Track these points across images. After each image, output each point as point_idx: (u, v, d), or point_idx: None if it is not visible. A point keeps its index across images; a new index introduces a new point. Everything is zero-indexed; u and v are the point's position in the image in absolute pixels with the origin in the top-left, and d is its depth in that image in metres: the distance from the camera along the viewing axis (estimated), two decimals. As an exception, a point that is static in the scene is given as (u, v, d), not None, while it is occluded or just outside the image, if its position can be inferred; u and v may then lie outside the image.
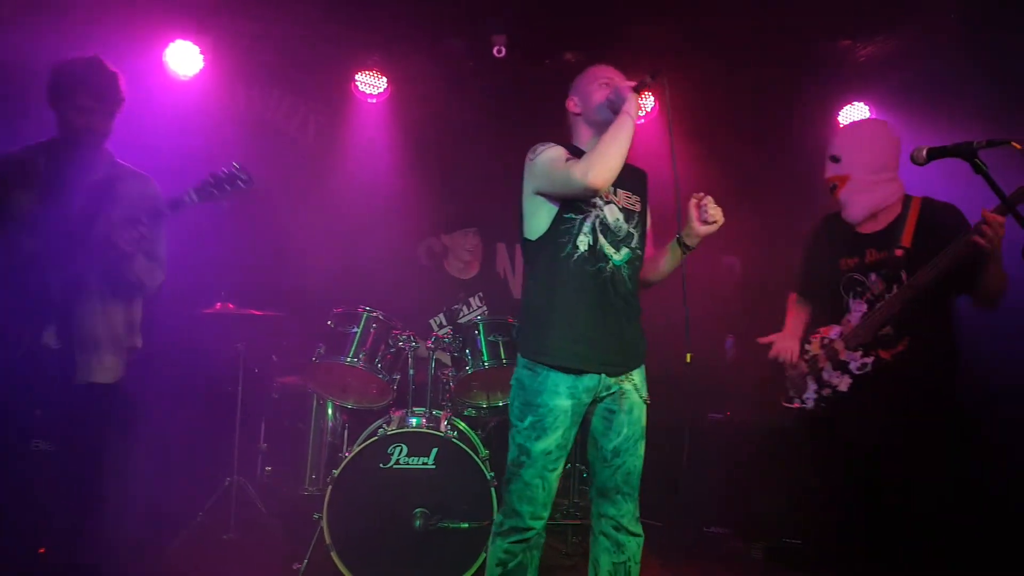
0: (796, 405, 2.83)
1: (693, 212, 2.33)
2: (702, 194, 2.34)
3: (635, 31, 4.07)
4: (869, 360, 2.64)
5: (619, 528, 2.34)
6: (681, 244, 2.38)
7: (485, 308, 4.09)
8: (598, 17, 3.98)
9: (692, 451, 4.18)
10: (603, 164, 2.19)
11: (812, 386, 2.78)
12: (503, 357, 3.29)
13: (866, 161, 2.71)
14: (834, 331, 2.77)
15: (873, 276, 2.67)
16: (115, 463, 2.55)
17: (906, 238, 2.62)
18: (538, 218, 2.34)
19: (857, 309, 2.71)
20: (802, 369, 2.81)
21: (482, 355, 3.31)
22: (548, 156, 2.30)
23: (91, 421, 2.42)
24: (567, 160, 2.27)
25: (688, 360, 2.25)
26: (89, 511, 2.46)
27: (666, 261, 2.45)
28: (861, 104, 4.54)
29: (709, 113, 4.67)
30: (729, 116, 4.64)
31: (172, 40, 4.22)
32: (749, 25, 4.02)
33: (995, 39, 3.68)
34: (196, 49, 4.25)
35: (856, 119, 4.53)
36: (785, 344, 2.85)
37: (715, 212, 2.31)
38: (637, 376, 2.38)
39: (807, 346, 2.82)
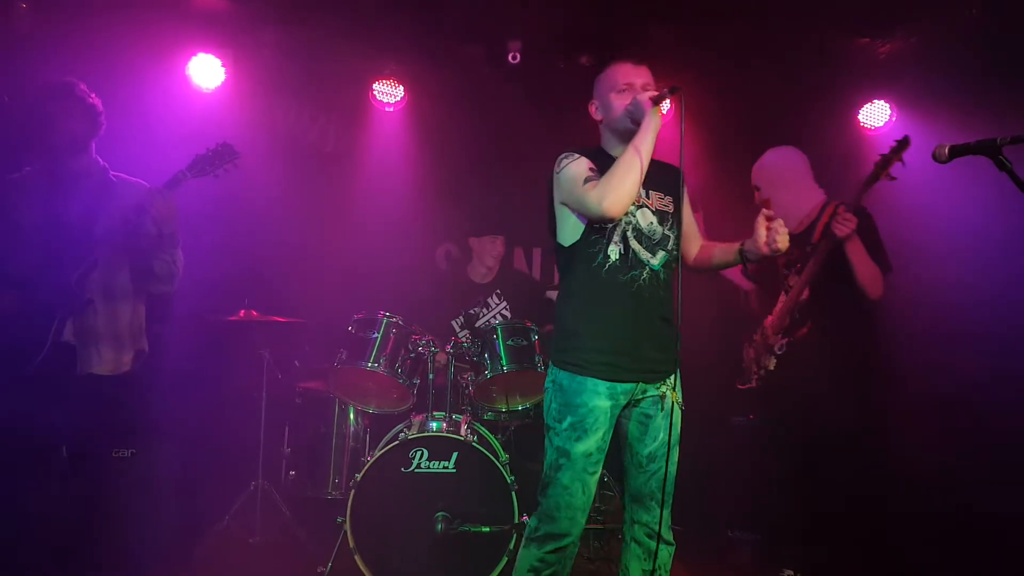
0: (746, 387, 3.37)
1: (761, 229, 2.27)
2: (772, 212, 2.29)
3: (650, 34, 4.07)
4: (785, 341, 3.13)
5: (652, 535, 2.29)
6: (743, 255, 2.37)
7: (506, 304, 4.10)
8: (612, 21, 3.99)
9: (715, 455, 4.15)
10: (618, 192, 2.17)
11: (755, 369, 3.27)
12: (522, 361, 3.30)
13: (776, 181, 3.22)
14: (769, 320, 3.25)
15: (792, 270, 3.13)
16: (101, 452, 2.72)
17: (816, 236, 3.06)
18: (568, 227, 2.34)
19: (780, 299, 3.19)
20: (750, 355, 3.33)
21: (501, 359, 3.32)
22: (570, 174, 2.28)
23: (87, 411, 2.57)
24: (586, 180, 2.24)
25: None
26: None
27: (719, 262, 2.47)
28: (881, 102, 4.49)
29: (726, 115, 4.64)
30: (747, 117, 4.61)
31: (194, 54, 4.30)
32: (765, 26, 4.00)
33: (1017, 34, 3.62)
34: (218, 62, 4.33)
35: (875, 117, 4.52)
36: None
37: (783, 240, 2.25)
38: (674, 380, 2.35)
39: (755, 336, 3.31)
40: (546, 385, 2.36)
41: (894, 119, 4.49)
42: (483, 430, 3.42)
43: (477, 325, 3.96)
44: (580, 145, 2.42)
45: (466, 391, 3.52)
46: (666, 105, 4.72)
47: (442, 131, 4.82)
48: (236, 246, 4.32)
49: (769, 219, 2.28)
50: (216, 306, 3.99)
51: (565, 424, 2.23)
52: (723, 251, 2.47)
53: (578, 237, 2.32)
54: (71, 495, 2.61)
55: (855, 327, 3.05)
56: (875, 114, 4.52)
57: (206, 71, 4.32)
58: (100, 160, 2.75)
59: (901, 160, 2.85)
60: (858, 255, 2.94)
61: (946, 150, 2.10)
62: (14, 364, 2.49)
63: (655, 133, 2.23)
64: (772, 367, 3.17)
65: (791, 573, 3.24)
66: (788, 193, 3.19)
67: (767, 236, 2.26)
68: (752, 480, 3.89)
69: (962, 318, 3.67)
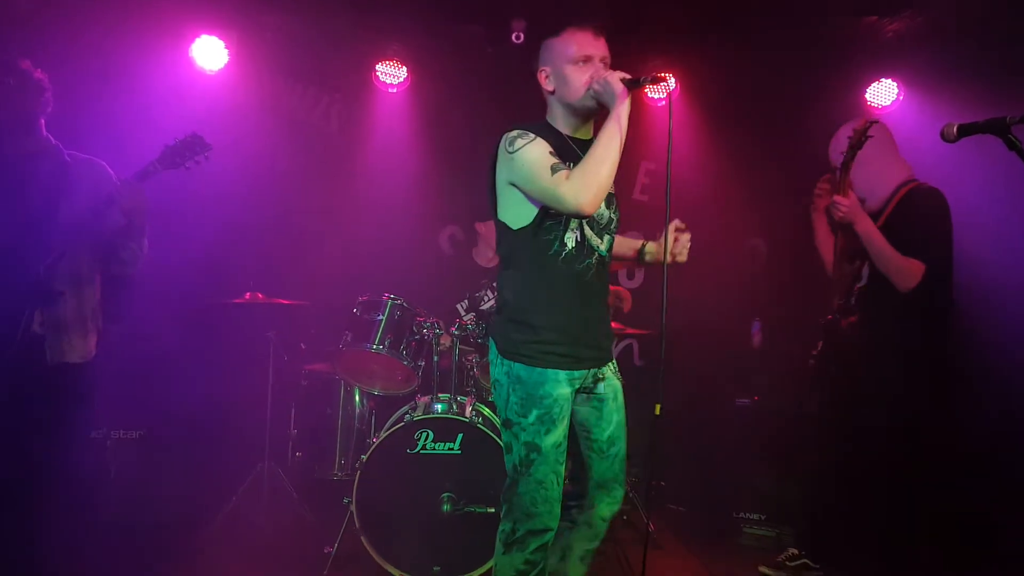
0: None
1: (670, 237, 2.24)
2: (684, 225, 2.26)
3: (654, 12, 4.03)
4: (824, 321, 3.05)
5: (607, 520, 2.27)
6: (642, 255, 2.37)
7: None
8: (614, -1, 3.95)
9: (719, 437, 4.16)
10: (597, 188, 2.00)
11: (812, 352, 3.18)
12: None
13: (859, 159, 2.89)
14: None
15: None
16: (82, 438, 2.71)
17: (881, 219, 2.91)
18: (517, 209, 2.15)
19: None
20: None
21: (506, 341, 3.32)
22: (530, 158, 2.07)
23: (63, 399, 2.54)
24: (554, 169, 2.04)
25: (658, 412, 2.17)
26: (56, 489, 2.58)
27: (616, 252, 2.36)
28: (889, 81, 4.46)
29: (732, 94, 4.62)
30: (753, 96, 4.58)
31: (198, 35, 4.28)
32: (771, 3, 3.96)
33: (1027, 11, 3.58)
34: (221, 43, 4.31)
35: (883, 96, 4.49)
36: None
37: (682, 256, 2.27)
38: (614, 363, 2.34)
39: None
40: (497, 379, 2.19)
41: (901, 98, 4.46)
42: (488, 411, 3.43)
43: (482, 308, 3.97)
44: None
45: (471, 373, 3.53)
46: (670, 84, 4.74)
47: (445, 112, 4.80)
48: (241, 229, 4.33)
49: (680, 231, 2.26)
50: (221, 289, 4.01)
51: (532, 418, 2.12)
52: (622, 243, 2.40)
53: (529, 221, 2.13)
54: (73, 479, 2.61)
55: (897, 321, 2.88)
56: (883, 93, 4.49)
57: (210, 53, 4.31)
58: (52, 139, 2.66)
59: (865, 138, 2.80)
60: (869, 240, 2.81)
61: (954, 129, 2.07)
62: None
63: (626, 121, 2.05)
64: (819, 347, 3.13)
65: (795, 552, 3.26)
66: (872, 169, 2.96)
67: (673, 247, 2.24)
68: (758, 462, 3.90)
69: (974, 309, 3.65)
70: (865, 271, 2.99)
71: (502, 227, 2.21)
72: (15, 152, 2.59)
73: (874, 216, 2.94)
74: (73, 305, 2.57)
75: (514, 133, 2.13)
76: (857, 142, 2.82)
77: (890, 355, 2.87)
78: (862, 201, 2.98)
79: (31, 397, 2.47)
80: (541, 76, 2.21)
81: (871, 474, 2.92)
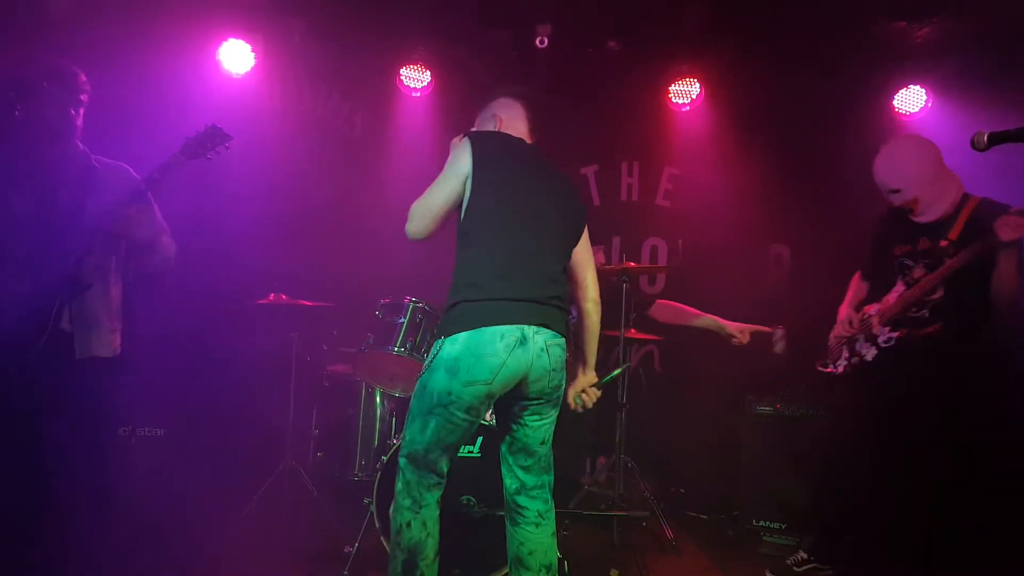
0: (829, 370, 3.15)
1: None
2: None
3: (679, 17, 4.02)
4: (895, 335, 2.91)
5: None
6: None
7: None
8: (640, 4, 3.94)
9: (739, 445, 4.13)
10: None
11: (845, 354, 3.08)
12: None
13: (922, 178, 2.88)
14: (874, 308, 3.03)
15: (921, 262, 2.91)
16: (111, 433, 2.76)
17: (954, 232, 2.83)
18: None
19: (896, 290, 2.97)
20: (841, 337, 3.11)
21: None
22: None
23: (94, 393, 2.59)
24: None
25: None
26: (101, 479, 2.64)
27: None
28: (917, 87, 4.41)
29: (758, 99, 4.59)
30: (779, 101, 4.55)
31: (225, 39, 4.34)
32: (799, 7, 3.93)
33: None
34: (248, 47, 4.37)
35: (911, 103, 4.44)
36: (842, 312, 3.19)
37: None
38: None
39: (850, 320, 3.10)
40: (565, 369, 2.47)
41: (930, 105, 4.41)
42: (508, 415, 3.43)
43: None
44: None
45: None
46: (695, 89, 4.73)
47: (468, 116, 4.80)
48: (265, 230, 4.38)
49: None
50: (246, 290, 4.05)
51: None
52: None
53: None
54: (100, 475, 2.65)
55: (989, 336, 2.84)
56: (910, 100, 4.44)
57: (237, 56, 4.36)
58: (80, 144, 2.71)
59: None
60: (1010, 262, 2.68)
61: (985, 137, 2.05)
62: (14, 352, 2.47)
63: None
64: (870, 358, 2.99)
65: (804, 556, 3.24)
66: (933, 187, 2.89)
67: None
68: (778, 470, 3.87)
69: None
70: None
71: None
72: (48, 155, 2.64)
73: (936, 229, 2.89)
74: (101, 300, 2.61)
75: None
76: None
77: (975, 365, 2.86)
78: (923, 212, 2.92)
79: (59, 393, 2.51)
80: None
81: (906, 481, 2.87)
